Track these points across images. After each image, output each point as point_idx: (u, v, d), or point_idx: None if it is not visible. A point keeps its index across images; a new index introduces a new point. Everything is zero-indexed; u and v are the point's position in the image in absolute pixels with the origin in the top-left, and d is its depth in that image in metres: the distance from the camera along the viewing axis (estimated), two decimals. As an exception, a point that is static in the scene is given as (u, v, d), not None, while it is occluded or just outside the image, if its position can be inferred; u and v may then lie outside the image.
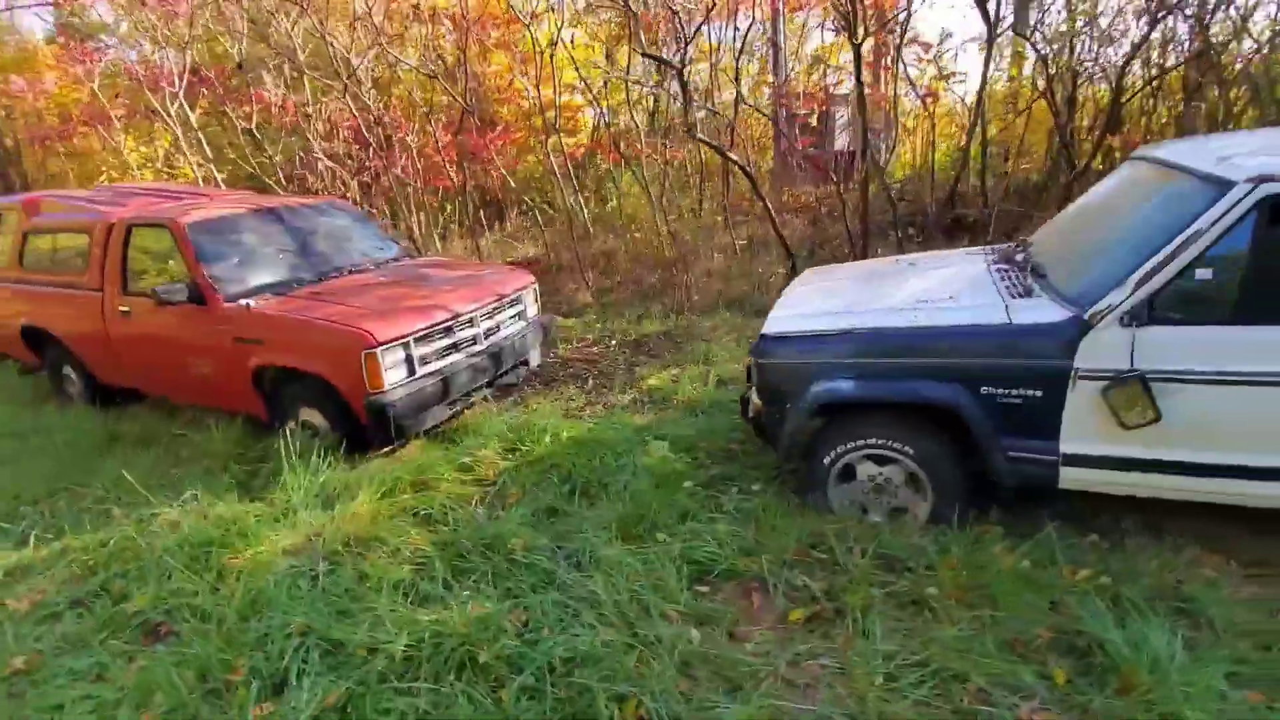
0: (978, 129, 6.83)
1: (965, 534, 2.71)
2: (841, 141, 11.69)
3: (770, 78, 11.30)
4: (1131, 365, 2.38)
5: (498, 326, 4.57)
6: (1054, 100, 6.61)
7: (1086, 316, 2.45)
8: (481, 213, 9.80)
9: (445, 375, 4.08)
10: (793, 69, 11.02)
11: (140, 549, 3.09)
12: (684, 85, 6.32)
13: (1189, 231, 2.31)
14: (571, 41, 8.69)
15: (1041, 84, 6.82)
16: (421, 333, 3.97)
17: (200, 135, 8.64)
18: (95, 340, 4.83)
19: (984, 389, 2.63)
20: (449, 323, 4.15)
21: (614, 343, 6.02)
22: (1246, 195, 2.24)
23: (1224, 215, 2.26)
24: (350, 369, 3.74)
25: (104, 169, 9.85)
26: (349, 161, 8.66)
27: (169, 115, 8.18)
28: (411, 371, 3.94)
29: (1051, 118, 6.84)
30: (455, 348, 4.23)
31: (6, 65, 12.15)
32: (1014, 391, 2.59)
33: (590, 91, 9.02)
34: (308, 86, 8.58)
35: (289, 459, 3.54)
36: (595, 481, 3.40)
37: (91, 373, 5.13)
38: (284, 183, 8.90)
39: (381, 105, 8.64)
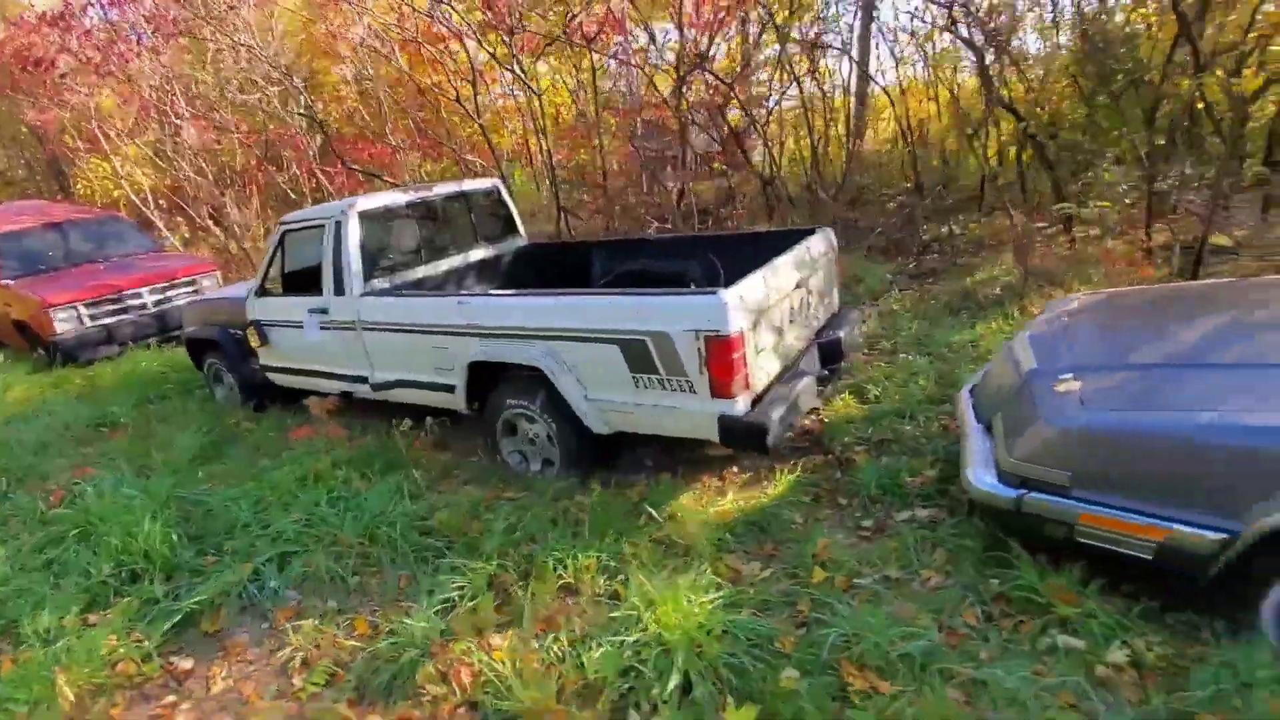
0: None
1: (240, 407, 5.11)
2: (700, 144, 13.60)
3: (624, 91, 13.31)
4: (254, 315, 4.68)
5: (168, 299, 7.23)
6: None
7: (251, 291, 4.76)
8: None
9: (109, 327, 6.80)
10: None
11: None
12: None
13: (269, 245, 4.57)
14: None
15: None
16: (89, 299, 6.70)
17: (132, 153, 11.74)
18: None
19: (233, 331, 4.99)
20: (115, 294, 6.85)
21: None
22: (279, 229, 4.49)
23: (275, 241, 4.52)
24: (39, 320, 6.53)
25: (80, 181, 13.36)
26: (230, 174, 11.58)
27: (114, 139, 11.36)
28: (82, 324, 6.68)
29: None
30: (125, 310, 6.94)
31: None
32: (240, 331, 4.93)
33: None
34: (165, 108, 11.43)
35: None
36: (141, 385, 5.99)
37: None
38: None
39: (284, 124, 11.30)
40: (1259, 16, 5.71)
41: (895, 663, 2.07)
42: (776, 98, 9.64)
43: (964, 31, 6.59)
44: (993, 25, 6.27)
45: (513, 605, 2.58)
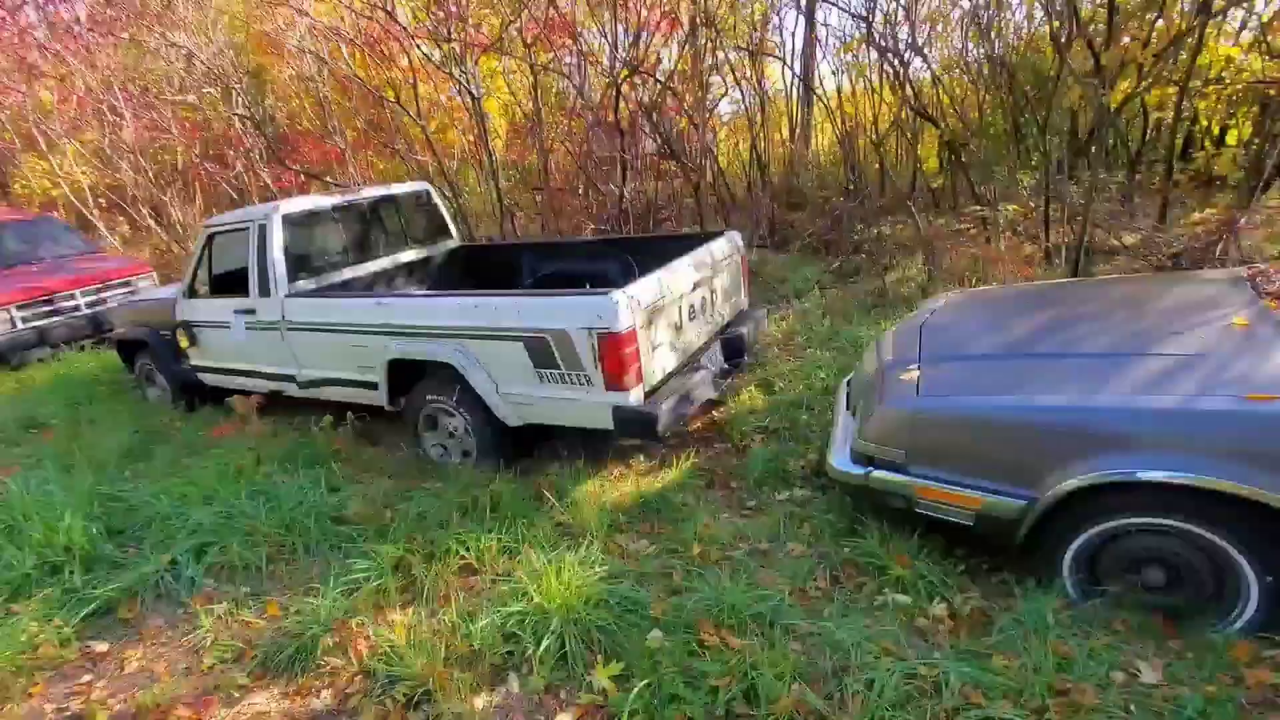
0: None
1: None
2: (649, 146, 13.83)
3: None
4: (183, 316, 4.77)
5: (102, 300, 7.20)
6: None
7: (179, 292, 4.84)
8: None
9: (41, 329, 6.76)
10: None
11: None
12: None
13: (196, 248, 4.67)
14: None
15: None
16: (21, 301, 6.66)
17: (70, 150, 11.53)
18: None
19: (162, 332, 5.06)
20: (47, 295, 6.82)
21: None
22: (204, 231, 4.58)
23: (201, 243, 4.61)
24: (-30, 322, 6.48)
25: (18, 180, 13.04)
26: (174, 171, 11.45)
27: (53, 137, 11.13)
28: (15, 326, 6.63)
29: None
30: (57, 312, 6.90)
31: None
32: (169, 332, 5.00)
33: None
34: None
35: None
36: (73, 387, 5.99)
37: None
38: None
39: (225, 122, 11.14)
40: (1155, 31, 6.16)
41: (748, 622, 2.33)
42: (717, 102, 9.92)
43: (880, 42, 6.93)
44: (908, 38, 6.62)
45: (416, 585, 2.77)
